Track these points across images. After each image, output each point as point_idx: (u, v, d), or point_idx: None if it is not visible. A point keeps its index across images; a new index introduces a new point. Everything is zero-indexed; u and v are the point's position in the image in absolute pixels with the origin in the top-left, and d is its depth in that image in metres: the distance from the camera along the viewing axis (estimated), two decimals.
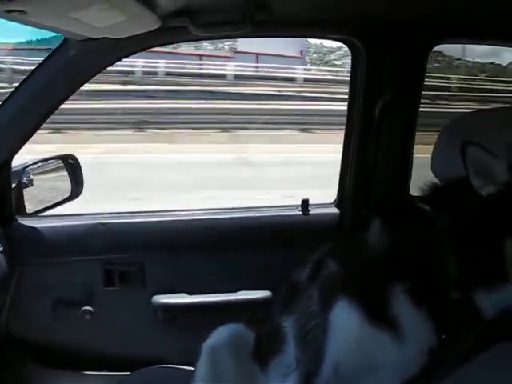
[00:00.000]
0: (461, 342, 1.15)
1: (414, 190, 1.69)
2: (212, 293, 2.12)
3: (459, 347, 1.15)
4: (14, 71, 12.23)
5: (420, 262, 1.25)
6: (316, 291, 1.40)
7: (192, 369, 1.72)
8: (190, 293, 2.12)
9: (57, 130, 10.04)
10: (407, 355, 1.24)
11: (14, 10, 1.23)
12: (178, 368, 1.97)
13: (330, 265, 1.42)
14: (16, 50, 14.95)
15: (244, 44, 15.49)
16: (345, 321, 1.29)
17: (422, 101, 2.10)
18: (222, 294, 2.12)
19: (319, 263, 1.47)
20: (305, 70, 16.40)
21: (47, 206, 2.14)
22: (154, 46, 2.06)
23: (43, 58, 1.92)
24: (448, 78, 14.20)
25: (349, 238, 1.59)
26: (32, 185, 2.13)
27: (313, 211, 2.21)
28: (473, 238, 1.20)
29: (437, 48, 2.09)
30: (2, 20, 1.34)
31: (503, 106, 1.57)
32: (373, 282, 1.29)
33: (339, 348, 1.29)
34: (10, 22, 1.38)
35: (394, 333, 1.24)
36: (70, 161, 2.17)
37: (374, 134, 2.06)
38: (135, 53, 2.01)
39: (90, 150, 8.26)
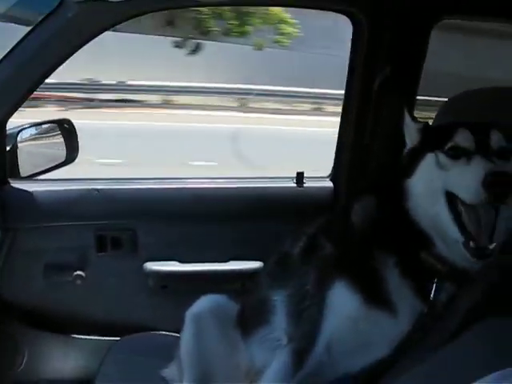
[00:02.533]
0: (449, 314, 1.16)
1: None
2: (203, 262, 2.13)
3: (448, 321, 1.16)
4: None
5: (403, 232, 1.29)
6: (313, 272, 1.41)
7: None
8: (182, 261, 2.13)
9: None
10: (399, 328, 1.26)
11: None
12: (168, 335, 1.98)
13: (324, 244, 1.42)
14: None
15: None
16: (341, 302, 1.31)
17: None
18: (213, 264, 2.12)
19: (313, 239, 1.48)
20: None
21: (41, 170, 2.11)
22: (154, 11, 2.03)
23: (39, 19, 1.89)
24: None
25: (342, 214, 1.58)
26: (26, 148, 2.11)
27: (307, 184, 2.20)
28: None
29: None
30: None
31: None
32: (367, 260, 1.30)
33: (334, 328, 1.31)
34: None
35: (388, 308, 1.27)
36: (65, 125, 2.15)
37: (372, 108, 2.04)
38: (135, 17, 1.96)
39: None
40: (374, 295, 1.27)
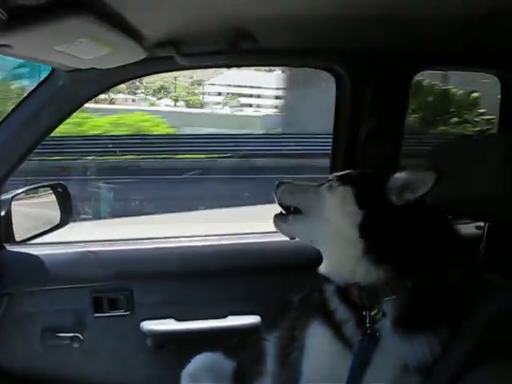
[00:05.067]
0: None
1: None
2: (201, 319, 2.12)
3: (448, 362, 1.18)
4: None
5: None
6: (301, 317, 1.47)
7: None
8: (179, 319, 2.12)
9: None
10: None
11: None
12: None
13: (316, 291, 1.45)
14: None
15: None
16: (317, 339, 1.36)
17: None
18: (210, 321, 2.11)
19: (312, 289, 1.51)
20: None
21: (36, 233, 2.13)
22: (141, 76, 2.09)
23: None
24: None
25: None
26: (21, 213, 2.13)
27: None
28: None
29: None
30: None
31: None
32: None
33: (313, 369, 1.35)
34: None
35: (347, 344, 1.32)
36: (58, 189, 2.18)
37: (360, 161, 2.07)
38: (123, 82, 2.04)
39: None
40: (337, 332, 1.33)
